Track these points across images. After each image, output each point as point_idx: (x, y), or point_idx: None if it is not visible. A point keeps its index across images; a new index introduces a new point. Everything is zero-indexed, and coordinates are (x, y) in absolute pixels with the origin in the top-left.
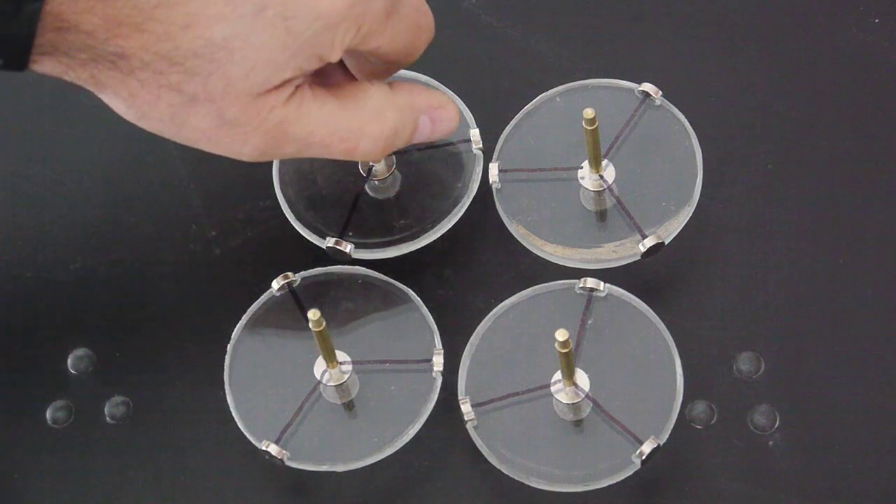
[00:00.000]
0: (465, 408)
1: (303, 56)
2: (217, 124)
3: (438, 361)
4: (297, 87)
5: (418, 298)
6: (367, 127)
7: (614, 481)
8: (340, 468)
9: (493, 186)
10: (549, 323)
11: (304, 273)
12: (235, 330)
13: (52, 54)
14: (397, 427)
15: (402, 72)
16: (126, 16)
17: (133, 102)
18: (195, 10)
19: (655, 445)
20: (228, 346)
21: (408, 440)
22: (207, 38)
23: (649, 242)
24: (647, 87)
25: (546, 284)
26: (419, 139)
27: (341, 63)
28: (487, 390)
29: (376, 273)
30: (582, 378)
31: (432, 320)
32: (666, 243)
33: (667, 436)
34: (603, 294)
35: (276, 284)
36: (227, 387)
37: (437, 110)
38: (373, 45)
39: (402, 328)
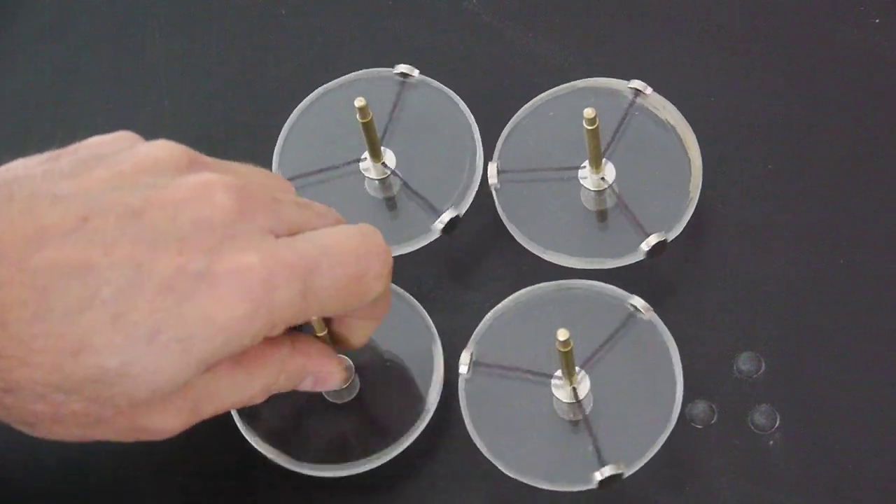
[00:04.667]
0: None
1: (208, 365)
2: (132, 426)
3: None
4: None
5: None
6: (259, 382)
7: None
8: (344, 472)
9: (493, 187)
10: (550, 322)
11: None
12: None
13: None
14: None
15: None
16: (4, 348)
17: (40, 428)
18: (81, 336)
19: (619, 472)
20: None
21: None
22: (100, 367)
23: (653, 241)
24: (636, 83)
25: (546, 284)
26: (298, 389)
27: None
28: (487, 389)
29: None
30: (583, 379)
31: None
32: (669, 241)
33: (666, 437)
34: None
35: None
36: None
37: (324, 374)
38: (307, 318)
39: (403, 328)
